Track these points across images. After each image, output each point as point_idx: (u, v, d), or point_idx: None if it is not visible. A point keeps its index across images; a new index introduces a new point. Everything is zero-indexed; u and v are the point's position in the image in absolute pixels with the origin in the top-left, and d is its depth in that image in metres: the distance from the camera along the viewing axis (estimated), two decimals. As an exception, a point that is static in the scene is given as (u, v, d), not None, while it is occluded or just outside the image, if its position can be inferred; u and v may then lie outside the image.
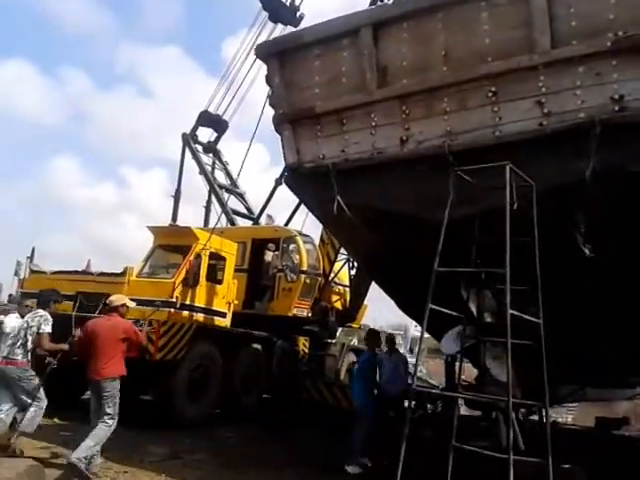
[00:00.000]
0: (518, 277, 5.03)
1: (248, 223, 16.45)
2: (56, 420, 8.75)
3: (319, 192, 6.56)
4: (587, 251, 5.29)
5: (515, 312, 5.05)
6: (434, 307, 5.34)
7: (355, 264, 13.65)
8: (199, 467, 7.10)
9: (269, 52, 6.70)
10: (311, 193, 6.91)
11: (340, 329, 14.61)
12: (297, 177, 6.76)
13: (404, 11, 5.95)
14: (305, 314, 12.99)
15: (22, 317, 6.99)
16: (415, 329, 20.36)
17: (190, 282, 10.13)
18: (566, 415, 16.18)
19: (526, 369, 5.67)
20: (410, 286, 6.85)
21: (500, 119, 5.51)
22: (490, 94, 5.54)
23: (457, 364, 6.79)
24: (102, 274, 10.35)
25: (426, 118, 5.86)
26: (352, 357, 13.91)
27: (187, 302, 10.15)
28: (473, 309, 6.06)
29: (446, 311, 5.53)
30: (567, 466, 6.16)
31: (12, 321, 6.99)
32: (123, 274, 9.99)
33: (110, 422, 6.04)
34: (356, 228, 6.54)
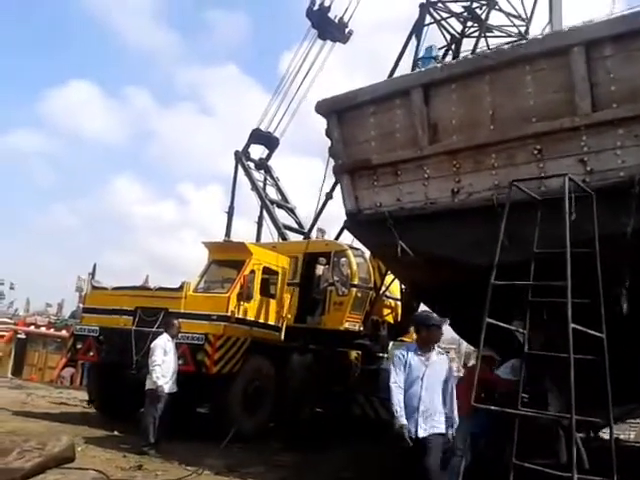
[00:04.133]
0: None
1: (299, 238, 17.09)
2: (116, 433, 9.35)
3: (377, 236, 7.16)
4: (624, 308, 5.66)
5: (578, 326, 5.23)
6: (491, 321, 5.57)
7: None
8: (254, 480, 7.23)
9: (328, 109, 7.34)
10: (370, 237, 7.52)
11: (392, 343, 15.01)
12: (356, 222, 7.38)
13: (452, 73, 6.49)
14: (357, 328, 12.97)
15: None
16: (468, 345, 20.33)
17: (244, 297, 10.42)
18: (629, 432, 15.85)
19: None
20: (463, 315, 7.34)
21: (545, 174, 5.99)
22: (535, 152, 6.03)
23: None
24: (160, 289, 10.70)
25: (476, 172, 6.38)
26: None
27: (241, 316, 10.47)
28: (522, 341, 6.50)
29: (502, 324, 5.78)
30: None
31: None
32: (180, 289, 10.29)
33: None
34: (413, 267, 7.11)
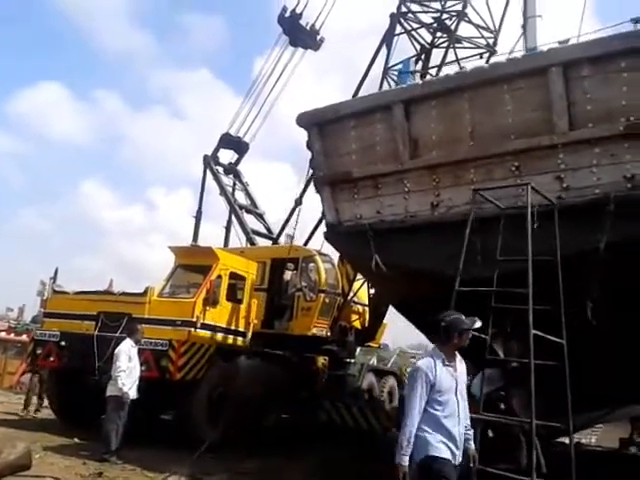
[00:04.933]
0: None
1: (268, 243, 17.04)
2: (76, 440, 9.23)
3: (356, 248, 7.24)
4: (590, 317, 5.87)
5: (538, 332, 5.44)
6: None
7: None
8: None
9: (310, 121, 7.38)
10: (349, 248, 7.60)
11: (359, 349, 15.11)
12: (336, 233, 7.44)
13: (432, 90, 6.63)
14: (324, 333, 13.08)
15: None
16: None
17: (210, 302, 10.35)
18: (590, 436, 16.02)
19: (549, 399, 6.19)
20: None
21: (522, 190, 6.14)
22: (513, 168, 6.20)
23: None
24: (124, 294, 10.55)
25: (455, 186, 6.52)
26: (371, 377, 14.18)
27: (207, 322, 10.37)
28: (500, 352, 6.70)
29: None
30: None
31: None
32: (144, 294, 10.15)
33: None
34: (390, 280, 7.21)
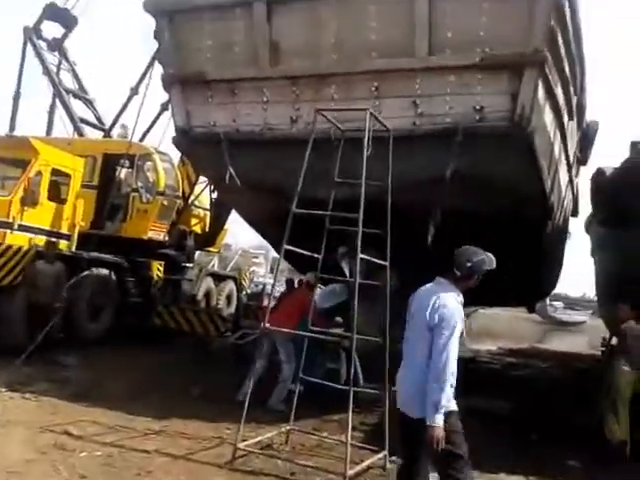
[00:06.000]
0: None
1: (98, 134, 15.65)
2: None
3: (209, 157, 6.84)
4: (429, 240, 6.27)
5: (364, 256, 5.66)
6: (289, 248, 5.79)
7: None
8: (38, 400, 6.86)
9: (159, 8, 6.59)
10: (201, 157, 7.15)
11: (198, 253, 14.86)
12: (187, 140, 6.93)
13: None
14: (162, 237, 12.82)
15: None
16: None
17: (29, 201, 9.68)
18: None
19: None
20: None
21: (380, 113, 6.12)
22: (373, 88, 6.14)
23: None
24: None
25: (315, 101, 6.30)
26: (210, 282, 14.26)
27: (25, 223, 9.74)
28: (346, 271, 6.97)
29: (299, 250, 5.89)
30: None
31: None
32: None
33: None
34: (243, 194, 6.98)
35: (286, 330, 6.56)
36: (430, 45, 5.89)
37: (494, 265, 3.78)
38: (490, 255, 3.78)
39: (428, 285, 3.84)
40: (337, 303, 7.64)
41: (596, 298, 21.37)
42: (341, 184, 6.05)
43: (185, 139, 6.93)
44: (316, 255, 6.05)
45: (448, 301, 3.61)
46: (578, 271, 19.80)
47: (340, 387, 5.83)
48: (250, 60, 6.42)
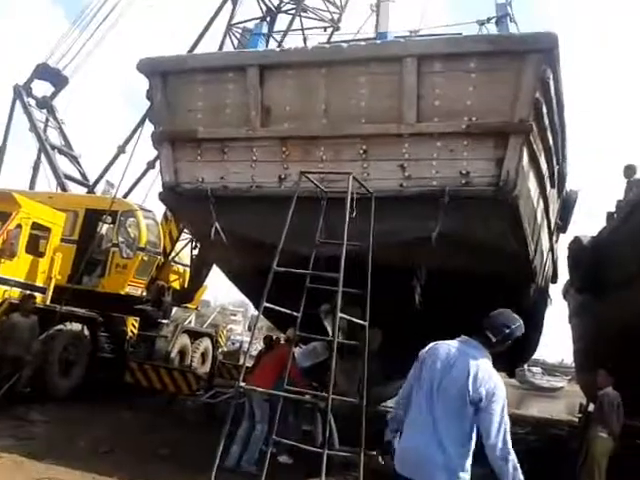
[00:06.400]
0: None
1: (82, 191, 15.63)
2: None
3: (195, 213, 6.85)
4: (417, 301, 6.29)
5: (344, 315, 5.78)
6: (269, 306, 5.83)
7: (198, 244, 13.85)
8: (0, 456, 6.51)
9: (153, 69, 6.72)
10: (188, 213, 7.16)
11: (175, 309, 14.65)
12: (174, 195, 6.95)
13: (290, 60, 6.44)
14: (139, 293, 12.68)
15: None
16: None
17: (6, 253, 9.60)
18: None
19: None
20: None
21: (368, 175, 6.28)
22: (362, 151, 6.29)
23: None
24: None
25: (304, 162, 6.42)
26: (185, 338, 14.05)
27: (1, 275, 9.62)
28: (328, 329, 6.90)
29: (278, 308, 5.98)
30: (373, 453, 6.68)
31: None
32: None
33: None
34: (228, 249, 6.96)
35: (261, 389, 6.44)
36: (418, 113, 6.09)
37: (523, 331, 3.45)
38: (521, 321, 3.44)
39: (451, 343, 3.33)
40: (317, 362, 7.51)
41: (573, 364, 21.52)
42: (326, 241, 6.11)
43: (172, 195, 6.95)
44: (295, 313, 6.02)
45: (492, 371, 3.21)
46: (556, 337, 19.94)
47: (314, 449, 5.67)
48: (241, 121, 6.55)
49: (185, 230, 13.64)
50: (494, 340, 3.27)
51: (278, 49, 7.18)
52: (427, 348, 3.38)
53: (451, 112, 6.01)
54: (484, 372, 3.17)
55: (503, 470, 3.09)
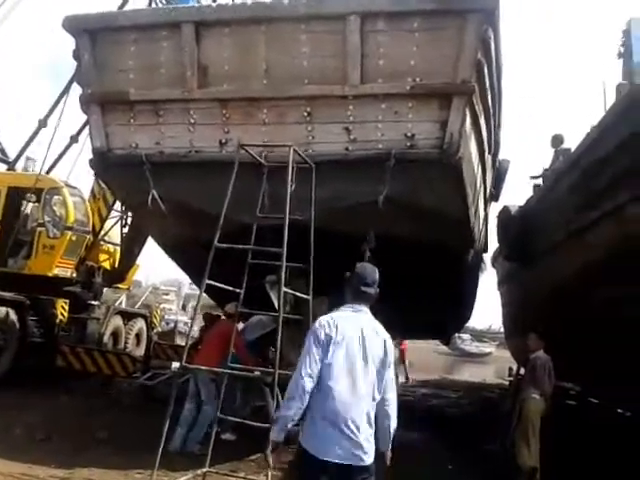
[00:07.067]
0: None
1: (2, 168, 14.64)
2: None
3: (130, 180, 6.47)
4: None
5: (289, 291, 5.71)
6: (211, 283, 5.63)
7: (128, 222, 13.33)
8: None
9: (80, 27, 6.23)
10: (121, 180, 6.74)
11: (105, 289, 14.15)
12: (105, 162, 6.52)
13: (227, 17, 6.11)
14: (69, 274, 12.21)
15: None
16: (190, 286, 19.89)
17: None
18: None
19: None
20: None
21: (313, 138, 6.10)
22: (306, 114, 6.08)
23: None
24: None
25: (245, 125, 6.16)
26: (118, 320, 13.62)
27: None
28: (274, 300, 6.71)
29: (220, 285, 5.80)
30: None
31: None
32: None
33: None
34: (165, 219, 6.63)
35: (206, 368, 6.22)
36: (362, 74, 5.92)
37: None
38: None
39: (352, 314, 3.32)
40: (264, 334, 7.34)
41: (502, 330, 22.42)
42: (272, 209, 5.91)
43: (103, 161, 6.50)
44: (238, 290, 5.83)
45: (385, 332, 3.35)
46: (484, 304, 20.71)
47: (259, 425, 5.44)
48: (177, 82, 6.18)
49: (114, 208, 13.13)
50: (375, 294, 3.37)
51: (214, 4, 6.76)
52: (326, 324, 3.23)
53: (395, 73, 5.89)
54: (385, 334, 3.33)
55: (393, 422, 3.30)
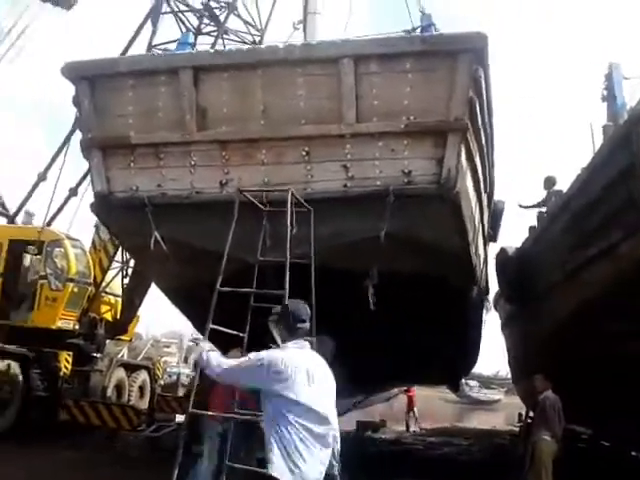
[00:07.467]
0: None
1: (2, 221, 14.80)
2: None
3: (132, 223, 6.52)
4: (372, 302, 6.18)
5: None
6: (215, 327, 5.49)
7: (129, 273, 13.35)
8: None
9: (79, 74, 6.40)
10: (123, 224, 6.79)
11: (108, 341, 14.06)
12: (107, 206, 6.58)
13: (224, 61, 6.30)
14: (71, 326, 12.23)
15: None
16: (192, 336, 19.77)
17: None
18: None
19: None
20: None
21: (312, 177, 6.16)
22: (304, 153, 6.17)
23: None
24: None
25: (245, 166, 6.25)
26: (121, 372, 13.52)
27: None
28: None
29: (225, 330, 5.65)
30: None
31: None
32: None
33: None
34: (168, 261, 6.63)
35: (213, 414, 6.09)
36: (357, 113, 6.04)
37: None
38: None
39: (302, 351, 3.61)
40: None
41: (509, 375, 22.07)
42: (273, 249, 5.92)
43: (105, 205, 6.56)
44: (241, 334, 5.72)
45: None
46: (490, 349, 20.45)
47: (262, 472, 5.22)
48: (176, 125, 6.30)
49: (115, 259, 13.20)
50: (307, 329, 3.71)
51: (211, 50, 6.96)
52: (282, 360, 3.45)
53: (390, 112, 6.00)
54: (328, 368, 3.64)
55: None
